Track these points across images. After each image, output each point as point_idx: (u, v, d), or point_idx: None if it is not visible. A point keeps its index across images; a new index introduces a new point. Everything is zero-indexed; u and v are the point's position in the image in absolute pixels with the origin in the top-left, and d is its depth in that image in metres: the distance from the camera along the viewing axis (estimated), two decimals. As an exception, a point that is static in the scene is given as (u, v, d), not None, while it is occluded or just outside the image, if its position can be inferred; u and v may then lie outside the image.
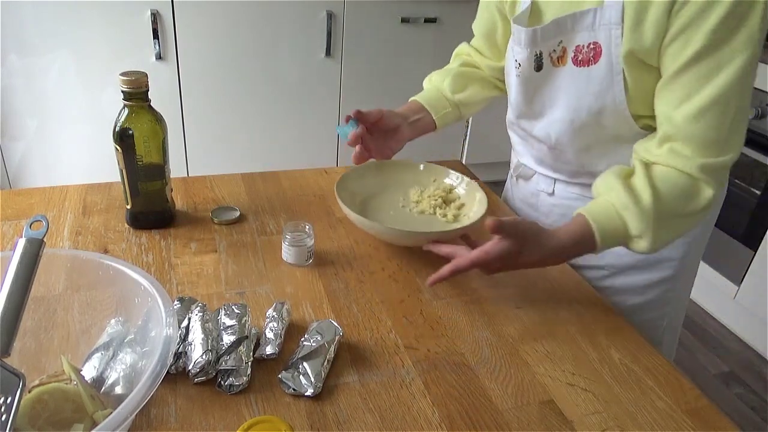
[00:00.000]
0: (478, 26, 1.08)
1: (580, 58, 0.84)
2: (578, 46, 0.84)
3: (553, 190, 1.04)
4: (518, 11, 0.91)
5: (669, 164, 0.79)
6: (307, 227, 0.89)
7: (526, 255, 0.78)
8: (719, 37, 0.72)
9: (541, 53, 0.89)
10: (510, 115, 1.04)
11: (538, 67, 0.90)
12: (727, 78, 0.73)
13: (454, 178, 1.07)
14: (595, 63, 0.82)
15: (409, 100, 1.08)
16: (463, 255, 0.80)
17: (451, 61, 1.16)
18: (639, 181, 0.78)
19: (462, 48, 1.15)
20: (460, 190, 1.05)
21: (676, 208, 0.78)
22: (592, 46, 0.82)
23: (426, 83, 1.12)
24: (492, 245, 0.77)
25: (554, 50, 0.87)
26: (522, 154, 1.09)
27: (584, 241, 0.79)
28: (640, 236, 0.78)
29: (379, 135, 0.98)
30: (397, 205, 1.03)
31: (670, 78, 0.77)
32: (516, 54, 0.92)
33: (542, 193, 1.07)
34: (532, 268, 0.82)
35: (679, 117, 0.77)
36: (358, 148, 0.95)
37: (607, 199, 0.80)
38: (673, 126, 0.78)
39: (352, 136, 0.93)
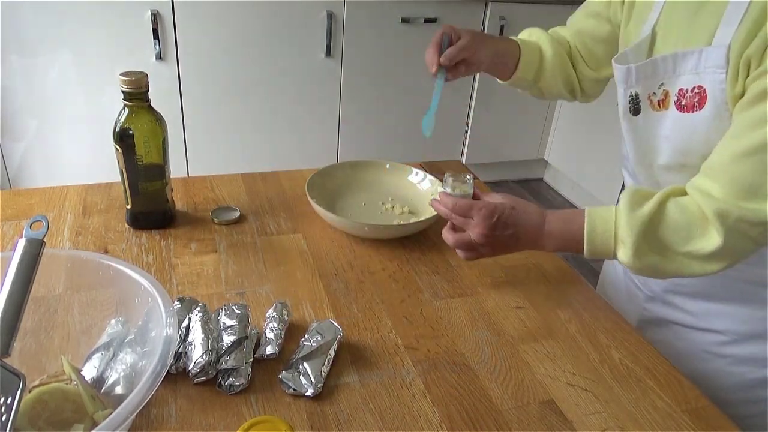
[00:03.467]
0: (577, 22, 1.00)
1: (683, 103, 0.77)
2: (681, 89, 0.77)
3: None
4: (640, 38, 0.83)
5: (693, 198, 0.73)
6: (467, 177, 0.85)
7: (503, 226, 0.78)
8: None
9: (636, 95, 0.82)
10: (623, 150, 0.96)
11: (635, 110, 0.84)
12: None
13: (416, 176, 1.12)
14: (699, 109, 0.75)
15: (518, 38, 1.01)
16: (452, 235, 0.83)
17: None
18: (654, 196, 0.75)
19: (558, 32, 1.04)
20: (425, 185, 1.10)
21: (672, 238, 0.72)
22: (696, 90, 0.75)
23: (526, 35, 1.04)
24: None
25: (654, 93, 0.80)
26: None
27: (572, 219, 0.77)
28: (623, 242, 0.74)
29: (461, 62, 0.97)
30: (362, 204, 1.08)
31: (734, 114, 0.71)
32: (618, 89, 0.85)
33: None
34: (515, 244, 0.80)
35: (721, 153, 0.71)
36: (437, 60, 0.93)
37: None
38: (711, 161, 0.72)
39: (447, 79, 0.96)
